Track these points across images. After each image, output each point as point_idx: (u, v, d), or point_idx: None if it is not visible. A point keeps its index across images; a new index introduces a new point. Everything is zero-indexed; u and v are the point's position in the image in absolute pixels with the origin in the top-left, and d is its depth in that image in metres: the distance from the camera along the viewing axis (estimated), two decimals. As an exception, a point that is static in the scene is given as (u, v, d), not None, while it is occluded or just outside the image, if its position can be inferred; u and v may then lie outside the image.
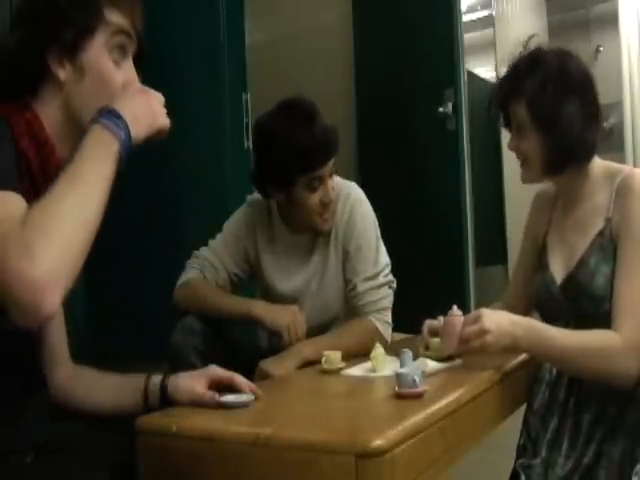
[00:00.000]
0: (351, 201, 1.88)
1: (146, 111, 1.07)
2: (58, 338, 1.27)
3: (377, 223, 1.91)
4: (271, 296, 1.92)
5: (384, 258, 1.88)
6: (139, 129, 1.05)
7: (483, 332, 1.37)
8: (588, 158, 1.51)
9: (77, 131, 1.08)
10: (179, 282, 1.90)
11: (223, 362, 1.34)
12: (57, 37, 1.07)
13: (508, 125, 1.59)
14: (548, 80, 1.48)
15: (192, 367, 1.47)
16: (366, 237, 1.86)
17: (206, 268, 1.90)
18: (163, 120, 1.09)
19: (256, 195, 2.00)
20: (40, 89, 1.10)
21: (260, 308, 1.77)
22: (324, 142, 1.75)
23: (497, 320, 1.39)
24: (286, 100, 1.83)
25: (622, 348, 1.35)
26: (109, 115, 1.02)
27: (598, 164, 1.54)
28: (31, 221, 0.90)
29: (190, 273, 1.90)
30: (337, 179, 1.87)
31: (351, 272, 1.86)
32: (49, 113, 1.10)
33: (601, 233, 1.48)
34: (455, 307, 1.47)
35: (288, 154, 1.72)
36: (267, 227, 1.94)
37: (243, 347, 1.86)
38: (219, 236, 1.96)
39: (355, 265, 1.85)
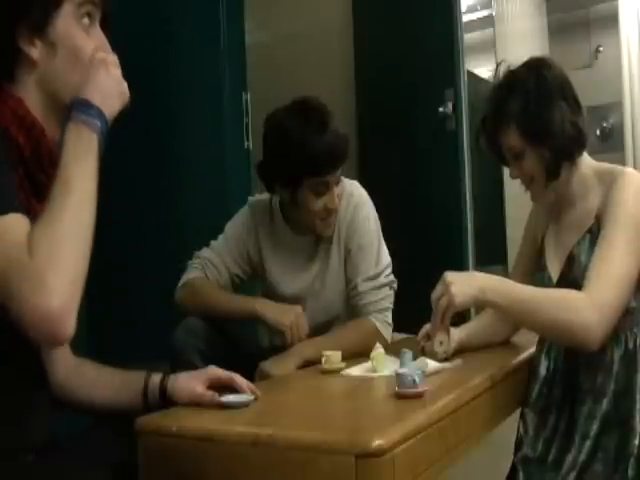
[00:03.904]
0: (354, 200, 1.88)
1: (111, 84, 1.06)
2: None
3: (379, 223, 1.91)
4: (273, 296, 1.92)
5: (386, 258, 1.88)
6: (111, 106, 1.05)
7: (446, 286, 1.41)
8: (581, 150, 1.53)
9: (59, 108, 1.07)
10: (181, 282, 1.90)
11: (225, 362, 1.34)
12: (25, 16, 1.06)
13: (502, 160, 1.59)
14: (529, 97, 1.49)
15: (193, 367, 1.46)
16: (368, 237, 1.86)
17: (208, 268, 1.90)
18: (124, 88, 1.08)
19: (258, 197, 2.00)
20: (16, 73, 1.09)
21: (264, 306, 1.78)
22: (335, 149, 1.75)
23: (460, 274, 1.45)
24: (301, 100, 1.82)
25: (584, 301, 1.38)
26: (81, 107, 1.02)
27: (591, 166, 1.56)
28: (37, 249, 0.90)
29: (192, 273, 1.91)
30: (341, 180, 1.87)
31: (352, 272, 1.86)
32: (29, 96, 1.09)
33: (590, 230, 1.50)
34: None
35: (298, 157, 1.72)
36: (270, 229, 1.94)
37: (245, 347, 1.86)
38: (221, 237, 1.96)
39: (357, 265, 1.85)
